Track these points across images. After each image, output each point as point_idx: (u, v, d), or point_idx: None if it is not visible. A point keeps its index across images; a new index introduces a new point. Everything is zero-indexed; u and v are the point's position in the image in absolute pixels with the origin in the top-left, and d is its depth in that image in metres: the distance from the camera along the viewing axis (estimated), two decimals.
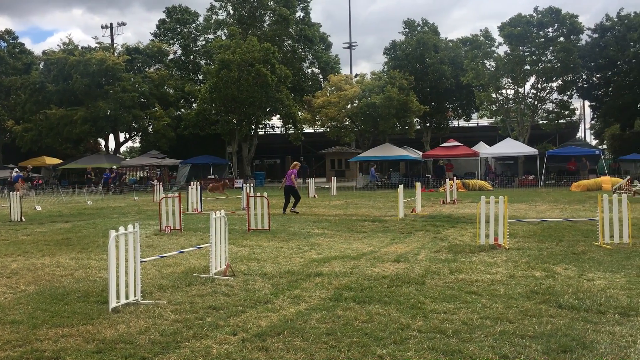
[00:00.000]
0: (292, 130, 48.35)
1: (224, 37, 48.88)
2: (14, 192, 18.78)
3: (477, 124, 58.11)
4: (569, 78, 41.33)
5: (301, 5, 50.59)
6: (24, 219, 17.72)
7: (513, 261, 8.97)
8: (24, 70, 49.26)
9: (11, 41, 51.41)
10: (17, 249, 11.33)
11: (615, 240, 10.32)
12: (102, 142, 55.39)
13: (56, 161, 47.37)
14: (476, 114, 52.16)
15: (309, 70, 53.76)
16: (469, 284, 7.42)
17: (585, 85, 44.40)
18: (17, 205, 17.86)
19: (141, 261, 6.93)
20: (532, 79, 41.52)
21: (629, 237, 10.36)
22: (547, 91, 41.90)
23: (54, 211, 21.56)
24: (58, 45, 50.42)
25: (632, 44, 39.71)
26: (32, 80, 46.93)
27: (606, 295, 6.65)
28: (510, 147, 37.23)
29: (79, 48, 49.11)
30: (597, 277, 7.67)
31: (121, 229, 6.57)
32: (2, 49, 50.38)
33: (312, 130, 55.72)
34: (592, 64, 43.03)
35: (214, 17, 51.50)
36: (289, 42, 50.29)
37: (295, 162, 17.34)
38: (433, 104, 45.73)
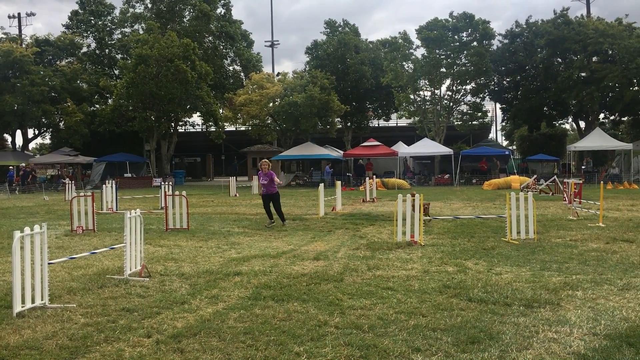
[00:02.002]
0: (213, 128, 47.68)
1: (141, 32, 47.37)
2: None
3: (396, 124, 59.60)
4: (482, 81, 43.19)
5: (222, 1, 49.93)
6: None
7: (428, 257, 9.27)
8: None
9: None
10: None
11: (522, 235, 10.91)
12: (8, 138, 52.24)
13: None
14: (395, 114, 53.52)
15: (231, 68, 53.22)
16: (386, 280, 7.60)
17: (497, 89, 46.51)
18: None
19: (49, 263, 6.61)
20: (448, 82, 43.14)
21: (534, 232, 10.97)
22: (461, 93, 43.63)
23: None
24: None
25: (539, 50, 42.00)
26: None
27: (512, 288, 7.01)
28: (427, 147, 38.44)
29: None
30: (505, 271, 8.06)
31: (27, 230, 6.23)
32: None
33: (234, 129, 55.13)
34: (503, 68, 45.14)
35: (131, 10, 49.86)
36: (210, 38, 49.51)
37: (264, 160, 14.44)
38: (354, 103, 46.49)
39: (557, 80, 40.48)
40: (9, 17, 52.43)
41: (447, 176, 37.46)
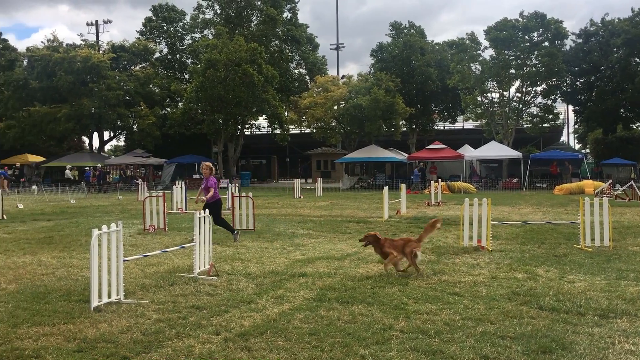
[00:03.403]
0: (278, 131, 48.30)
1: (210, 37, 48.67)
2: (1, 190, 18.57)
3: (463, 126, 58.49)
4: (553, 82, 41.77)
5: (289, 5, 50.56)
6: (5, 217, 17.51)
7: (495, 263, 9.05)
8: (7, 67, 48.62)
9: None
10: None
11: (596, 243, 10.45)
12: (86, 140, 54.95)
13: (39, 159, 46.83)
14: (461, 116, 52.55)
15: (296, 71, 53.74)
16: (452, 285, 7.48)
17: (569, 90, 44.89)
18: None
19: (124, 260, 6.89)
20: (517, 83, 41.94)
21: (610, 240, 10.50)
22: (531, 95, 42.35)
23: (36, 209, 21.34)
24: (42, 42, 49.86)
25: (615, 49, 40.22)
26: (15, 77, 46.36)
27: (586, 297, 6.74)
28: (495, 150, 37.51)
29: (64, 45, 48.64)
30: (578, 280, 7.76)
31: (104, 228, 6.53)
32: None
33: (299, 131, 55.71)
34: (576, 68, 43.51)
35: (201, 16, 51.28)
36: (276, 42, 50.22)
37: (205, 164, 12.43)
38: (419, 106, 45.99)
39: (634, 80, 38.63)
40: (88, 24, 55.01)
41: (515, 180, 36.40)
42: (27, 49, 49.67)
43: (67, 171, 41.26)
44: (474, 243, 10.50)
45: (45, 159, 47.01)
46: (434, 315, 6.02)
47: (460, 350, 4.93)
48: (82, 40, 51.73)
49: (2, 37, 51.49)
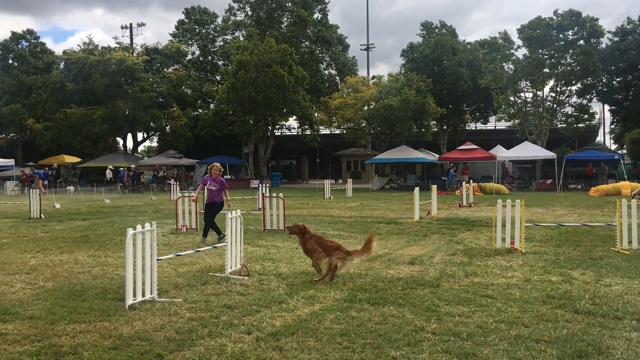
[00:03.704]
0: (308, 132, 48.44)
1: (241, 38, 49.12)
2: (35, 190, 19.04)
3: (495, 127, 57.75)
4: (589, 82, 40.89)
5: (319, 6, 50.67)
6: (43, 216, 17.96)
7: (529, 265, 8.91)
8: (44, 70, 49.96)
9: (32, 41, 52.12)
10: (36, 246, 11.49)
11: (634, 245, 10.20)
12: (120, 141, 55.98)
13: (75, 159, 47.95)
14: (494, 116, 51.88)
15: (326, 72, 53.83)
16: (484, 287, 7.39)
17: (605, 89, 43.89)
18: (36, 202, 18.12)
19: (157, 259, 7.00)
20: (551, 82, 41.21)
21: None
22: (566, 95, 41.54)
23: (73, 209, 21.83)
24: (78, 45, 51.13)
25: None
26: (52, 79, 47.64)
27: (623, 301, 6.58)
28: (528, 150, 36.91)
29: (99, 48, 49.71)
30: (615, 283, 7.58)
31: (138, 227, 6.64)
32: (24, 48, 51.16)
33: (329, 132, 55.75)
34: (613, 67, 42.51)
35: (232, 18, 51.81)
36: (307, 43, 50.39)
37: (216, 164, 12.50)
38: (450, 106, 45.60)
39: None
40: (122, 27, 56.14)
41: (549, 181, 35.76)
42: (64, 52, 51.08)
43: (108, 171, 42.17)
44: (507, 245, 10.35)
45: (81, 159, 48.12)
46: (466, 318, 5.96)
47: (494, 353, 4.87)
48: (116, 43, 52.91)
49: (39, 41, 52.87)
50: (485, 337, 5.32)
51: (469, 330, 5.52)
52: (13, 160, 41.52)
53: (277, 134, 51.81)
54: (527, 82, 41.16)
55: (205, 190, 12.42)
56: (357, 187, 36.03)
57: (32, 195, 18.33)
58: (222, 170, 12.75)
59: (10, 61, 50.78)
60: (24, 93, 49.46)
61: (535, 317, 5.95)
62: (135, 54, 48.81)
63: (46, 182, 37.04)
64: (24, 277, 8.25)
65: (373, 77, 48.16)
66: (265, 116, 44.10)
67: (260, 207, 17.48)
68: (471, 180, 27.47)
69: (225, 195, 12.08)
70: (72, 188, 33.94)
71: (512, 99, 41.75)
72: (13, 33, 51.40)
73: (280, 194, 14.47)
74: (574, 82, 40.46)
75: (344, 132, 45.56)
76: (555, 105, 41.45)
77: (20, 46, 51.23)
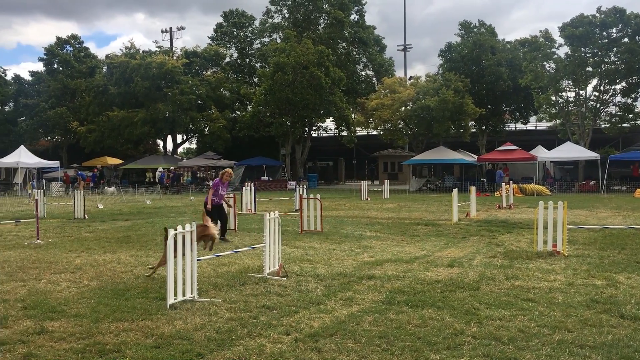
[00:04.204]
0: (345, 133, 48.40)
1: (279, 40, 49.44)
2: (78, 191, 19.56)
3: (535, 127, 56.55)
4: (634, 80, 39.65)
5: (356, 7, 50.60)
6: (87, 217, 18.44)
7: (572, 269, 8.70)
8: (88, 74, 51.36)
9: (77, 45, 53.64)
10: (80, 246, 11.81)
11: None
12: (160, 143, 57.02)
13: (117, 161, 49.11)
14: (534, 117, 50.83)
15: (363, 73, 53.71)
16: (526, 291, 7.25)
17: None
18: (80, 203, 18.62)
19: (197, 260, 7.10)
20: (595, 81, 40.13)
21: None
22: (610, 94, 40.40)
23: (115, 209, 22.34)
24: (120, 49, 52.36)
25: None
26: (95, 83, 48.95)
27: None
28: (571, 151, 36.04)
29: (140, 52, 50.81)
30: None
31: (179, 228, 6.75)
32: (68, 53, 52.68)
33: (365, 133, 55.55)
34: None
35: (270, 20, 52.19)
36: (343, 44, 50.40)
37: (229, 170, 13.21)
38: (489, 106, 44.90)
39: None
40: (162, 31, 57.31)
41: (592, 183, 34.85)
42: (107, 56, 52.30)
43: (158, 173, 43.00)
44: (549, 248, 10.13)
45: (122, 161, 49.25)
46: (507, 322, 5.86)
47: (536, 358, 4.78)
48: (157, 46, 53.97)
49: (83, 46, 54.35)
50: (528, 341, 5.22)
51: (510, 334, 5.43)
52: (58, 162, 42.74)
53: (313, 135, 51.95)
54: (569, 81, 40.19)
55: (210, 192, 12.81)
56: (394, 189, 35.81)
57: (76, 196, 18.84)
58: (233, 176, 13.52)
59: (55, 66, 52.34)
60: (68, 97, 50.96)
61: (579, 322, 5.81)
62: (175, 58, 49.67)
63: (92, 184, 38.09)
64: (69, 276, 8.49)
65: (410, 77, 47.84)
66: (302, 117, 44.27)
67: (297, 208, 17.55)
68: (511, 182, 27.01)
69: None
70: (111, 189, 34.72)
71: (553, 98, 40.83)
72: (58, 38, 53.03)
73: (317, 195, 14.50)
74: (618, 80, 39.33)
75: (381, 133, 45.33)
76: (598, 105, 40.36)
77: (64, 51, 52.76)
